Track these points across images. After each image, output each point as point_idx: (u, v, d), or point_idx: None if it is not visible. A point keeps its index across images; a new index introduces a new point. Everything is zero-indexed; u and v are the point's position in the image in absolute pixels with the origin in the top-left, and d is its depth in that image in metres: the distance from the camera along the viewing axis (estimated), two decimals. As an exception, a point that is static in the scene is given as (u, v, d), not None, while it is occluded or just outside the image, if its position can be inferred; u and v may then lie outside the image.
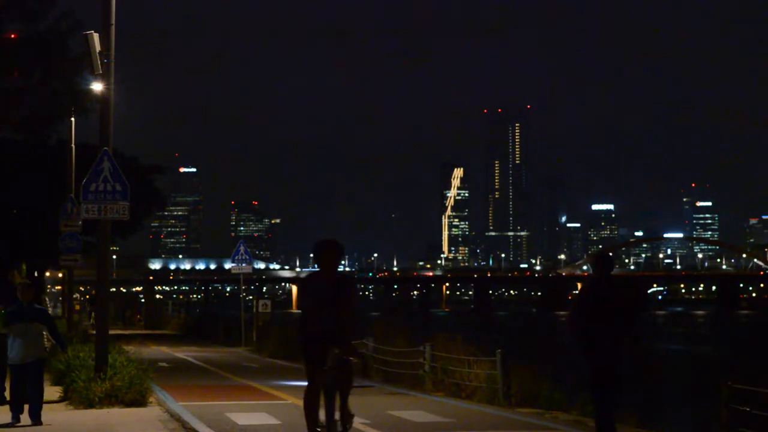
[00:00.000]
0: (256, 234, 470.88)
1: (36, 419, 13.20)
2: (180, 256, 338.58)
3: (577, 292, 11.18)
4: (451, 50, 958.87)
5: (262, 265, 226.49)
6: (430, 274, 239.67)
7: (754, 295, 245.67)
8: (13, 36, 33.74)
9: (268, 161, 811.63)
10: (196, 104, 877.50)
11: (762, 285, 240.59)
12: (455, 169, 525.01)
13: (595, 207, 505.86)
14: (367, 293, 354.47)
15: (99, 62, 16.73)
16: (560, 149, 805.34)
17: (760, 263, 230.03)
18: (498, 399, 16.12)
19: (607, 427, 10.98)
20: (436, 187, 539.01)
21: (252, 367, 25.96)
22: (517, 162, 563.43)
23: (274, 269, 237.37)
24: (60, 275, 65.99)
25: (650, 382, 15.13)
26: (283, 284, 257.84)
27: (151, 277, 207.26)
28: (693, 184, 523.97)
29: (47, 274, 62.02)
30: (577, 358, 11.32)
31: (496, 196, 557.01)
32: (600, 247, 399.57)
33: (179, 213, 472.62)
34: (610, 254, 11.93)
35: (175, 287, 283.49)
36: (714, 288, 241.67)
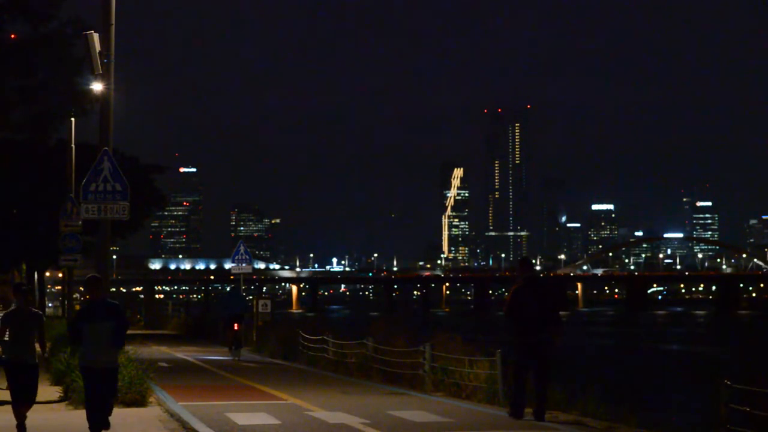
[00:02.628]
0: (256, 234, 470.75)
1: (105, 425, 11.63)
2: (180, 256, 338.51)
3: (512, 288, 14.15)
4: (451, 50, 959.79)
5: (262, 265, 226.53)
6: (430, 274, 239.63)
7: (754, 295, 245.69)
8: (12, 36, 33.75)
9: (269, 161, 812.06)
10: (197, 104, 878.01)
11: (762, 285, 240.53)
12: (455, 169, 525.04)
13: (595, 207, 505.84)
14: (367, 293, 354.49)
15: (99, 62, 16.74)
16: (560, 149, 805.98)
17: (760, 263, 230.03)
18: (498, 399, 16.12)
19: (521, 398, 13.92)
20: (436, 187, 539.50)
21: (252, 367, 25.95)
22: (517, 162, 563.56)
23: (274, 269, 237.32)
24: (60, 275, 66.06)
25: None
26: (283, 284, 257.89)
27: (151, 277, 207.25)
28: (693, 184, 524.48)
29: (47, 274, 62.03)
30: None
31: (496, 196, 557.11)
32: (600, 247, 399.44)
33: (179, 213, 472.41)
34: (530, 258, 15.47)
35: (175, 287, 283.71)
36: (714, 288, 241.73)
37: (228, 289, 27.07)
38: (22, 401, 12.32)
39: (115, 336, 11.19)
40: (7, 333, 12.21)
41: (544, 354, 13.85)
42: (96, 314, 11.16)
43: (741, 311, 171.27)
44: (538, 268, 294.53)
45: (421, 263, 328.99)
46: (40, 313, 12.71)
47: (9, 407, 15.28)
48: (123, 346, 11.70)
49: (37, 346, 12.47)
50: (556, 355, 14.23)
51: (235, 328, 29.33)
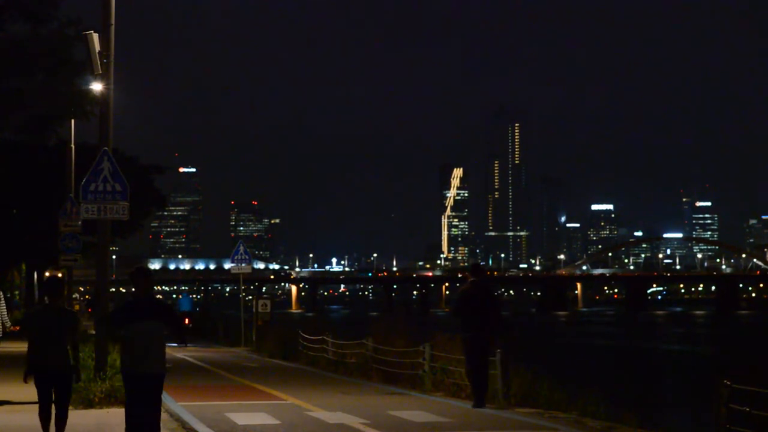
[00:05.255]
0: (255, 234, 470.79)
1: None
2: (180, 256, 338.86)
3: (460, 290, 16.37)
4: (451, 50, 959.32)
5: (261, 265, 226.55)
6: (430, 274, 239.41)
7: (753, 295, 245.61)
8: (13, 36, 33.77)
9: (268, 161, 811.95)
10: (196, 104, 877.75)
11: (761, 285, 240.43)
12: (455, 169, 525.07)
13: (594, 207, 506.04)
14: (366, 293, 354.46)
15: (99, 62, 16.75)
16: (559, 149, 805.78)
17: (760, 263, 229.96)
18: (498, 399, 16.11)
19: (478, 384, 15.36)
20: (436, 187, 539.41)
21: (252, 367, 25.95)
22: (516, 162, 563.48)
23: (273, 269, 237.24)
24: (59, 275, 66.06)
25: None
26: (282, 284, 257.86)
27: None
28: (693, 184, 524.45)
29: (47, 274, 62.02)
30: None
31: (496, 196, 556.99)
32: (600, 246, 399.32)
33: (179, 213, 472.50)
34: (481, 264, 17.13)
35: (175, 287, 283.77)
36: (713, 288, 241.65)
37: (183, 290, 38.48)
38: (55, 416, 10.58)
39: (173, 337, 9.74)
40: (32, 335, 10.55)
41: (485, 348, 15.46)
42: (141, 312, 9.68)
43: (740, 311, 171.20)
44: (537, 267, 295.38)
45: (420, 263, 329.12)
46: (73, 311, 10.97)
47: (10, 407, 15.30)
48: (186, 344, 10.17)
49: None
50: (507, 350, 15.96)
51: (186, 322, 39.74)
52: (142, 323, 9.62)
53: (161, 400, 10.00)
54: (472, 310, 15.43)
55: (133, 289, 9.89)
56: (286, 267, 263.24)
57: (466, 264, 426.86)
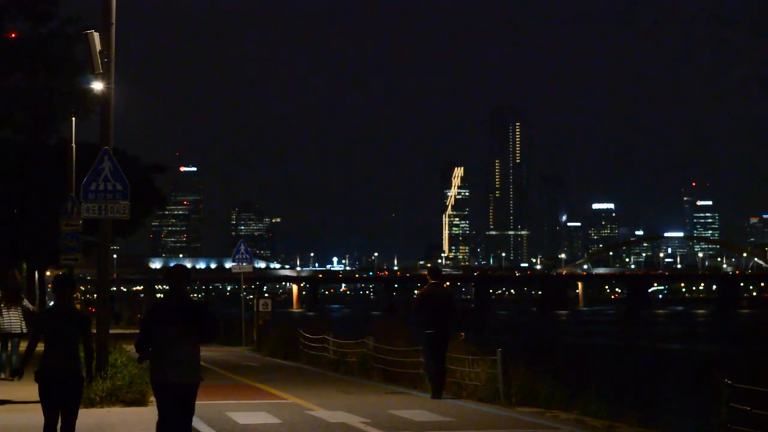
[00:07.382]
0: (256, 233, 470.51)
1: None
2: (181, 256, 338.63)
3: (419, 291, 18.00)
4: (451, 50, 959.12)
5: (262, 264, 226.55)
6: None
7: (754, 294, 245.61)
8: (13, 35, 33.74)
9: (269, 160, 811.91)
10: (196, 103, 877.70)
11: (762, 284, 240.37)
12: (455, 169, 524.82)
13: (595, 206, 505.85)
14: (367, 292, 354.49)
15: (99, 61, 16.75)
16: (560, 149, 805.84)
17: (761, 262, 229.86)
18: (498, 398, 16.11)
19: (436, 376, 16.69)
20: (436, 187, 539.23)
21: (253, 366, 25.96)
22: (517, 161, 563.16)
23: (274, 268, 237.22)
24: (67, 273, 66.01)
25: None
26: (283, 283, 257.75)
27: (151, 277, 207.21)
28: (693, 183, 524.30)
29: (47, 273, 62.04)
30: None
31: (497, 195, 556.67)
32: (600, 246, 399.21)
33: (180, 212, 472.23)
34: (439, 267, 18.79)
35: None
36: (714, 287, 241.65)
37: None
38: (61, 426, 9.40)
39: (201, 340, 9.05)
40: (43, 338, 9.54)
41: (441, 343, 16.85)
42: (175, 315, 8.86)
43: (742, 310, 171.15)
44: (538, 267, 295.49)
45: (421, 262, 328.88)
46: (85, 314, 9.84)
47: (10, 406, 15.30)
48: (208, 342, 9.23)
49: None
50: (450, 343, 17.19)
51: None
52: (171, 327, 8.81)
53: (193, 412, 9.09)
54: (432, 309, 16.81)
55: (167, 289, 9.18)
56: (287, 266, 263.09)
57: (467, 263, 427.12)
